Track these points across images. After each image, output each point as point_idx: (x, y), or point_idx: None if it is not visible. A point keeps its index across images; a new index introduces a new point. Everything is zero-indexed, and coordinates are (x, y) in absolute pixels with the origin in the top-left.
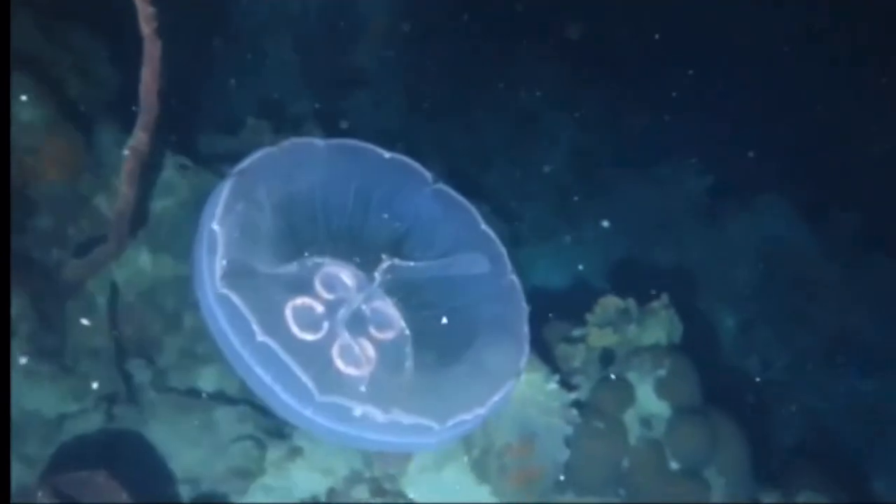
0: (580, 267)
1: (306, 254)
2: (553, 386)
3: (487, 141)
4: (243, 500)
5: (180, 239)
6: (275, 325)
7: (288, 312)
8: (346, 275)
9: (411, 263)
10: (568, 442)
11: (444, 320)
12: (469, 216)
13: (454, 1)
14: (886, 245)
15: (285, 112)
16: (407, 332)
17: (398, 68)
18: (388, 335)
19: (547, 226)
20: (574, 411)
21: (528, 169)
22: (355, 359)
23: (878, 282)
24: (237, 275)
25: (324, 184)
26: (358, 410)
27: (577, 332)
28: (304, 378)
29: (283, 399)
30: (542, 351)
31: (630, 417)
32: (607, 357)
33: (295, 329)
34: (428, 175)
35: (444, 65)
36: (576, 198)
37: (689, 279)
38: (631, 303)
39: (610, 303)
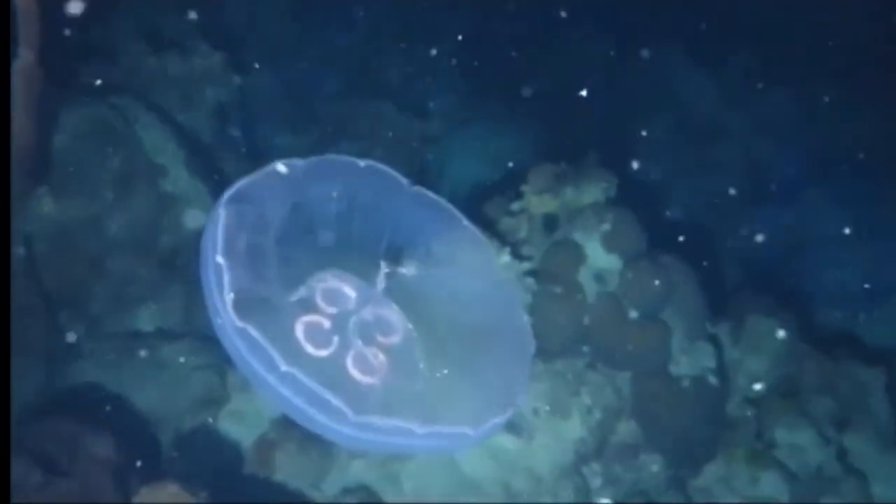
0: (499, 146)
1: (305, 271)
2: (505, 258)
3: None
4: (217, 428)
5: (84, 176)
6: (294, 351)
7: (300, 334)
8: (347, 287)
9: (405, 270)
10: (528, 310)
11: (445, 324)
12: (449, 215)
13: None
14: (780, 78)
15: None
16: (414, 333)
17: None
18: (395, 339)
19: (457, 115)
20: (530, 279)
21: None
22: (370, 367)
23: (779, 114)
24: (249, 304)
25: (309, 201)
26: (397, 423)
27: (516, 206)
28: (336, 401)
29: (319, 420)
30: (487, 227)
31: (583, 276)
32: (551, 223)
33: (310, 349)
34: (403, 180)
35: None
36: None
37: (608, 139)
38: (564, 167)
39: (544, 170)
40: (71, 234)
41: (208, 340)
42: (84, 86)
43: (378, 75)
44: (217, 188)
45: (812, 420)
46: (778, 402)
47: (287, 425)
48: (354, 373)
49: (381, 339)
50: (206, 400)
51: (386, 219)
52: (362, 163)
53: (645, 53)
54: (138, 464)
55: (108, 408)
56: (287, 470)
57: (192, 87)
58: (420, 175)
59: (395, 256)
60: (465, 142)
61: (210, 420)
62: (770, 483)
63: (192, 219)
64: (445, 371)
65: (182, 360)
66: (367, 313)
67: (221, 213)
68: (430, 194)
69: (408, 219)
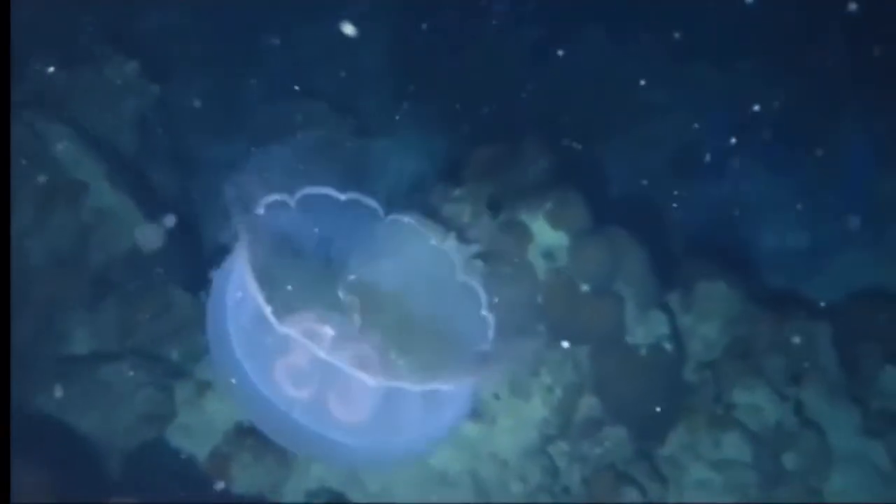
0: (433, 140)
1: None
2: (451, 243)
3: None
4: (165, 443)
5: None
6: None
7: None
8: (327, 326)
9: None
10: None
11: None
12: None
13: None
14: (705, 54)
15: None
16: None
17: None
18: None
19: (389, 112)
20: (479, 262)
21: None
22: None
23: (705, 90)
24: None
25: (294, 237)
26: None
27: (457, 192)
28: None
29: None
30: (430, 215)
31: (532, 255)
32: (494, 206)
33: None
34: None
35: None
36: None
37: (542, 122)
38: (502, 147)
39: (482, 154)
40: None
41: (148, 358)
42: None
43: (303, 76)
44: (144, 201)
45: (767, 379)
46: (733, 364)
47: (240, 434)
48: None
49: (361, 374)
50: (153, 416)
51: (355, 242)
52: (343, 196)
53: (569, 37)
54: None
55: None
56: (245, 479)
57: (107, 98)
58: (357, 174)
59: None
60: (400, 139)
61: (159, 436)
62: (733, 445)
63: (120, 234)
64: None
65: (126, 376)
66: (348, 350)
67: (245, 252)
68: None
69: (384, 244)
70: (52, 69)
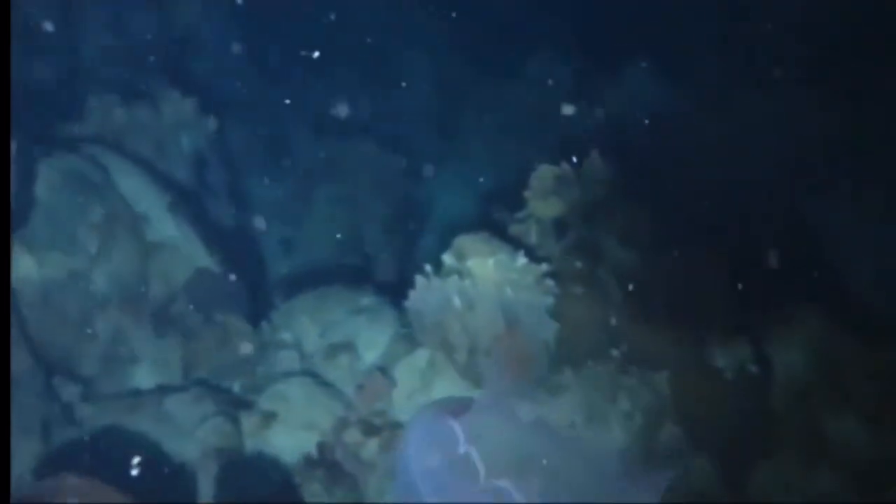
0: (480, 179)
1: None
2: (522, 261)
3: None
4: (234, 473)
5: (64, 231)
6: None
7: None
8: None
9: None
10: (552, 314)
11: None
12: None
13: None
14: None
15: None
16: None
17: None
18: None
19: (436, 148)
20: (550, 282)
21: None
22: None
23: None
24: None
25: None
26: None
27: (522, 214)
28: None
29: None
30: (498, 233)
31: (604, 274)
32: (561, 225)
33: None
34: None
35: None
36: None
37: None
38: (565, 167)
39: (545, 173)
40: (55, 292)
41: (212, 389)
42: (56, 140)
43: (351, 115)
44: (205, 233)
45: (860, 408)
46: (824, 393)
47: (309, 465)
48: None
49: None
50: (220, 448)
51: None
52: None
53: (612, 69)
54: None
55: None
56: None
57: (166, 134)
58: (408, 211)
59: None
60: (450, 173)
61: (226, 466)
62: (825, 478)
63: (181, 266)
64: None
65: (190, 407)
66: None
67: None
68: None
69: None
70: (113, 105)
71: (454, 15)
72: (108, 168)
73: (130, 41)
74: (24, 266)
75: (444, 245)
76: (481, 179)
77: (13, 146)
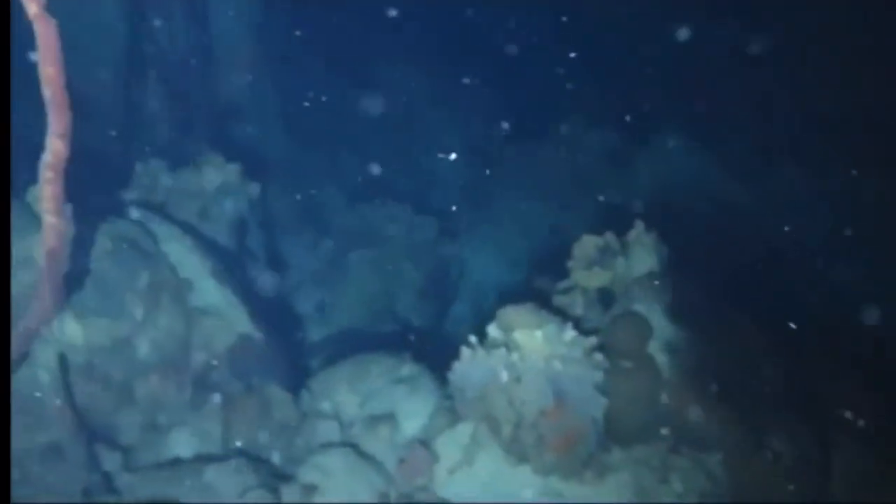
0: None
1: None
2: (570, 334)
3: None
4: None
5: (111, 296)
6: None
7: None
8: None
9: None
10: (600, 390)
11: None
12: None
13: None
14: (789, 154)
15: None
16: None
17: None
18: None
19: (468, 213)
20: (599, 356)
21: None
22: None
23: (787, 186)
24: None
25: None
26: None
27: (565, 284)
28: None
29: None
30: (542, 304)
31: (654, 349)
32: (606, 297)
33: None
34: None
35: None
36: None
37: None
38: (610, 237)
39: (588, 243)
40: (100, 359)
41: (251, 459)
42: (104, 205)
43: (383, 181)
44: (246, 299)
45: None
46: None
47: None
48: None
49: None
50: None
51: None
52: None
53: (648, 139)
54: None
55: None
56: None
57: (209, 199)
58: (442, 276)
59: None
60: (481, 238)
61: None
62: None
63: (223, 332)
64: None
65: (231, 478)
66: None
67: None
68: None
69: None
70: (160, 171)
71: (483, 80)
72: (155, 233)
73: (177, 107)
74: (71, 332)
75: (479, 311)
76: (515, 245)
77: (68, 209)
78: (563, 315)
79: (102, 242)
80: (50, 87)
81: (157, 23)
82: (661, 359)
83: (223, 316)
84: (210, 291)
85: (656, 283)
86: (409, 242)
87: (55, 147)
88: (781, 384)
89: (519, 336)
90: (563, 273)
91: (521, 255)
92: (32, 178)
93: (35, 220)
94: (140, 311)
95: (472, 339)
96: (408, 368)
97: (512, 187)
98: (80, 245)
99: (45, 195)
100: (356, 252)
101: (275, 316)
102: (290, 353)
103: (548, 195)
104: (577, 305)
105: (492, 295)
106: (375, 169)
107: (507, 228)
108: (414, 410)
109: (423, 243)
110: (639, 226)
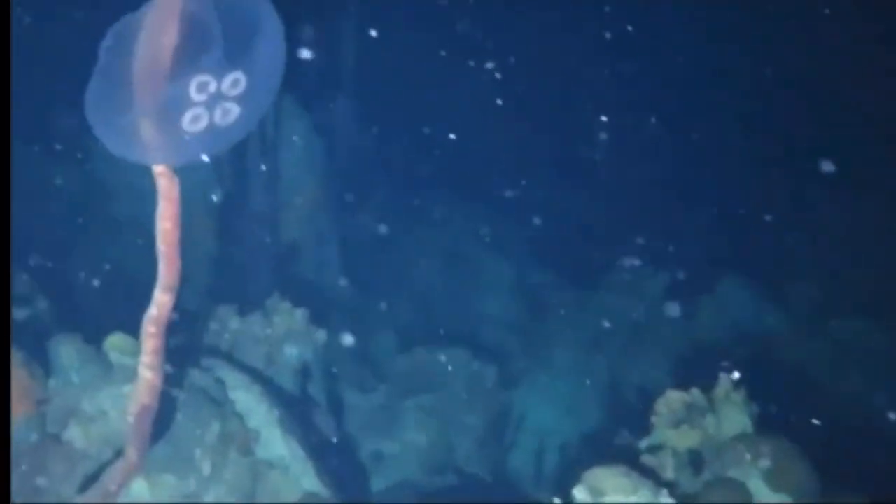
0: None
1: None
2: (667, 501)
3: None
4: None
5: (179, 449)
6: None
7: None
8: None
9: None
10: None
11: None
12: None
13: None
14: (844, 309)
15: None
16: None
17: None
18: None
19: (524, 358)
20: None
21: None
22: None
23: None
24: None
25: None
26: None
27: (646, 443)
28: None
29: None
30: (629, 466)
31: None
32: (696, 459)
33: None
34: None
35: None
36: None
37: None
38: (696, 393)
39: (674, 398)
40: None
41: None
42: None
43: (438, 322)
44: (312, 451)
45: None
46: None
47: None
48: None
49: None
50: None
51: None
52: None
53: (706, 279)
54: None
55: None
56: None
57: (274, 346)
58: (499, 423)
59: None
60: (540, 386)
61: None
62: None
63: (290, 488)
64: None
65: None
66: None
67: None
68: None
69: None
70: (230, 315)
71: (538, 221)
72: (224, 381)
73: (241, 250)
74: (136, 491)
75: (541, 462)
76: (573, 394)
77: (167, 367)
78: (654, 478)
79: (176, 392)
80: (165, 242)
81: None
82: None
83: (289, 470)
84: (277, 443)
85: (748, 456)
86: (466, 388)
87: (161, 301)
88: None
89: (611, 502)
90: (635, 429)
91: (579, 404)
92: (111, 326)
93: (110, 369)
94: (208, 465)
95: (557, 502)
96: None
97: (569, 334)
98: (167, 402)
99: (146, 349)
100: (412, 399)
101: (336, 468)
102: None
103: (605, 344)
104: (668, 468)
105: (551, 446)
106: (430, 311)
107: (566, 376)
108: None
109: (480, 389)
110: (724, 381)
